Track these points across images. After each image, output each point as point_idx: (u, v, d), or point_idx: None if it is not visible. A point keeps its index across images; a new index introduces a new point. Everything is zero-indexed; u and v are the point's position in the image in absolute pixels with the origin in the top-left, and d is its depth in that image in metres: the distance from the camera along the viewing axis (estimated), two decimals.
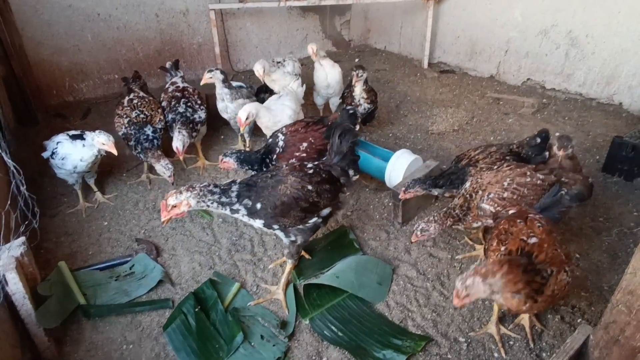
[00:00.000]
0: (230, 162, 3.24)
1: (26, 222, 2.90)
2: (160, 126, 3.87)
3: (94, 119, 5.29)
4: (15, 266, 2.26)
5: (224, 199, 2.42)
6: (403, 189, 3.01)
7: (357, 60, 7.35)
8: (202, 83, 4.07)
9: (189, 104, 4.10)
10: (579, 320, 2.56)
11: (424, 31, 6.45)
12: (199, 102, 4.19)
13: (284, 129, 3.47)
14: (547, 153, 3.12)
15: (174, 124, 3.90)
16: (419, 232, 2.73)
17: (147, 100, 4.00)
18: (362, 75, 4.23)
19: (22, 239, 2.48)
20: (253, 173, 3.16)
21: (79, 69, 5.69)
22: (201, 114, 4.11)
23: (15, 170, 2.84)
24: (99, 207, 3.71)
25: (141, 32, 5.88)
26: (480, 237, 3.17)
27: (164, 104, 4.17)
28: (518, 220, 2.29)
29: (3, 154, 2.92)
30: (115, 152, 3.32)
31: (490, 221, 2.69)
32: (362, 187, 3.86)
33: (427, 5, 6.26)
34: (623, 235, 3.20)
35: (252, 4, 5.94)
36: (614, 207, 3.50)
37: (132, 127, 3.73)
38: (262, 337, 2.53)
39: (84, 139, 3.36)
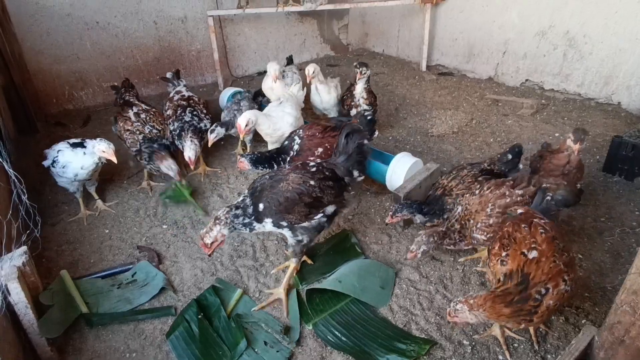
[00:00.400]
0: (245, 163, 3.31)
1: (27, 231, 2.89)
2: (171, 140, 3.89)
3: (94, 126, 5.29)
4: (18, 276, 2.25)
5: (246, 220, 2.57)
6: (390, 213, 3.02)
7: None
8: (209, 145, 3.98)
9: (194, 112, 4.10)
10: (583, 321, 2.56)
11: (422, 34, 6.46)
12: (204, 111, 4.20)
13: (300, 131, 3.46)
14: (521, 166, 3.09)
15: (182, 133, 3.89)
16: (419, 254, 2.74)
17: (153, 112, 3.98)
18: (365, 73, 4.20)
19: (24, 248, 2.48)
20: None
21: (79, 77, 5.70)
22: (207, 123, 4.11)
23: (16, 180, 2.83)
24: (100, 215, 3.71)
25: (140, 39, 5.89)
26: None
27: (169, 112, 4.17)
28: (523, 225, 2.30)
29: (4, 163, 2.91)
30: (115, 160, 3.32)
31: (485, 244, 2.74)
32: (363, 190, 3.86)
33: (424, 8, 6.28)
34: (625, 235, 3.20)
35: (250, 10, 5.96)
36: (616, 207, 3.50)
37: (146, 145, 3.66)
38: (265, 343, 2.52)
39: (84, 147, 3.36)
